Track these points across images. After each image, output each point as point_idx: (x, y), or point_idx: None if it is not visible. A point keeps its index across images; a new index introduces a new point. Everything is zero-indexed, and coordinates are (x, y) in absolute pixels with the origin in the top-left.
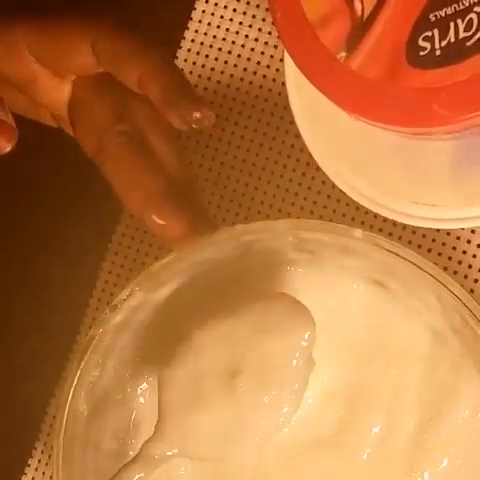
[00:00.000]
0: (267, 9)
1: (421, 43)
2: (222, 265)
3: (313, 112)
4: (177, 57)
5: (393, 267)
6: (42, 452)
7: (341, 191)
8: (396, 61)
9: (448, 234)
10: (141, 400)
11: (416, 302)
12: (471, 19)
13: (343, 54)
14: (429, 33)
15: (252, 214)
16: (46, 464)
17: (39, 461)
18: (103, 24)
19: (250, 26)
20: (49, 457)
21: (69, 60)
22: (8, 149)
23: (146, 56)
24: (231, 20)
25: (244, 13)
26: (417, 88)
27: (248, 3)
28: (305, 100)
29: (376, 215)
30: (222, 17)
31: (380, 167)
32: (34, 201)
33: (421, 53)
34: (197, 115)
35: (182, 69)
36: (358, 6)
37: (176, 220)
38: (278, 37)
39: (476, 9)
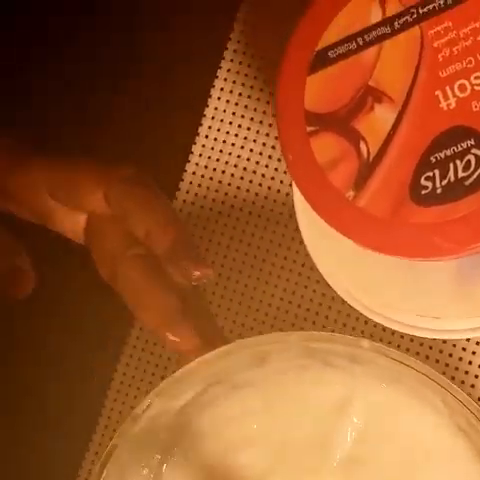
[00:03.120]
0: (270, 125)
1: (423, 182)
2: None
3: (320, 231)
4: (186, 170)
5: (400, 374)
6: None
7: (344, 302)
8: (400, 199)
9: (454, 346)
10: None
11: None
12: (469, 160)
13: (351, 193)
14: (430, 173)
15: (266, 328)
16: None
17: None
18: (118, 175)
19: (254, 141)
20: None
21: (82, 203)
22: (26, 295)
23: (153, 212)
24: (236, 135)
25: (248, 129)
26: (420, 223)
27: (252, 119)
28: (312, 219)
29: (384, 328)
30: (228, 133)
31: (384, 279)
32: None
33: (423, 192)
34: (196, 274)
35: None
36: (364, 149)
37: (189, 336)
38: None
39: (473, 151)
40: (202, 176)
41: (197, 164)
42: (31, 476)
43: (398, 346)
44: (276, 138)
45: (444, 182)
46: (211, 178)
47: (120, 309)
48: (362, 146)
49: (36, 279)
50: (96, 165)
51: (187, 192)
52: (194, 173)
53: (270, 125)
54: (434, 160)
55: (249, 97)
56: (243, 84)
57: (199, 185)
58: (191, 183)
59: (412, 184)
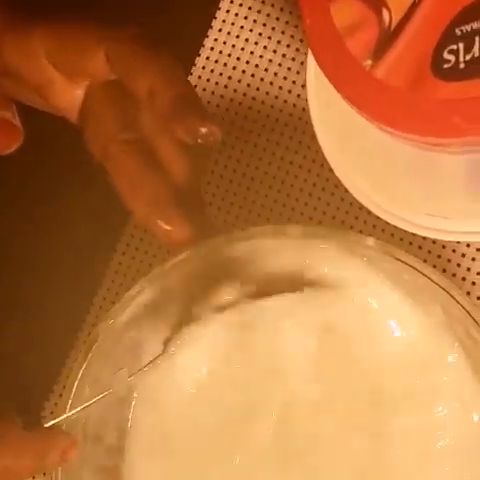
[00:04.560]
0: (287, 22)
1: (446, 56)
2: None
3: (334, 127)
4: (191, 73)
5: (400, 278)
6: None
7: (352, 203)
8: (420, 72)
9: (454, 251)
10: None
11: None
12: None
13: (369, 62)
14: (454, 46)
15: (261, 221)
16: None
17: None
18: (121, 34)
19: (274, 51)
20: None
21: (84, 65)
22: (12, 150)
23: (158, 68)
24: (251, 31)
25: (260, 34)
26: (440, 99)
27: (264, 25)
28: (325, 112)
29: (384, 229)
30: (238, 37)
31: (397, 180)
32: (44, 197)
33: (445, 65)
34: (203, 130)
35: (196, 85)
36: (386, 16)
37: (181, 225)
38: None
39: None
40: (212, 71)
41: (208, 58)
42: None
43: (401, 239)
44: (291, 36)
45: (468, 57)
46: (221, 74)
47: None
48: (384, 13)
49: (24, 135)
50: (97, 25)
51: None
52: (204, 68)
53: (287, 22)
54: (460, 32)
55: None
56: None
57: (208, 80)
58: (200, 77)
59: (434, 56)
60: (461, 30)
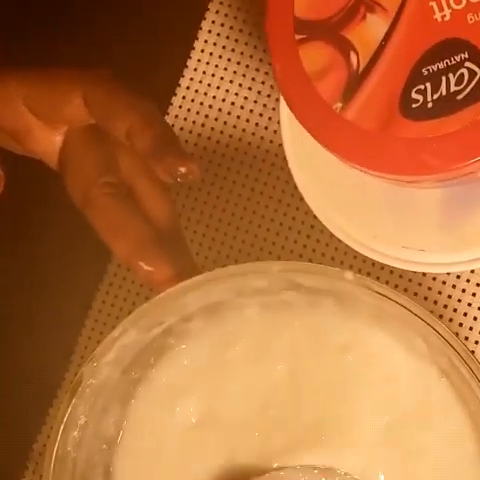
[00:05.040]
0: (260, 60)
1: (414, 96)
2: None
3: (307, 159)
4: (172, 103)
5: (381, 311)
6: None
7: (332, 235)
8: (390, 112)
9: (434, 279)
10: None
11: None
12: (462, 74)
13: (339, 105)
14: (422, 86)
15: (243, 257)
16: None
17: None
18: (96, 77)
19: (250, 88)
20: None
21: (61, 110)
22: None
23: (136, 109)
24: (225, 69)
25: (234, 72)
26: (409, 138)
27: (238, 63)
28: (299, 149)
29: (364, 260)
30: (213, 75)
31: (372, 213)
32: (29, 236)
33: (414, 105)
34: (182, 170)
35: (173, 125)
36: (354, 59)
37: (162, 266)
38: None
39: (467, 65)
40: (188, 110)
41: (184, 97)
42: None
43: (377, 278)
44: (266, 73)
45: (436, 96)
46: (197, 112)
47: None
48: (352, 56)
49: (5, 181)
50: (72, 69)
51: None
52: (180, 107)
53: (261, 60)
54: (426, 72)
55: (241, 31)
56: (235, 17)
57: (185, 119)
58: (176, 117)
59: (402, 97)
60: (428, 70)
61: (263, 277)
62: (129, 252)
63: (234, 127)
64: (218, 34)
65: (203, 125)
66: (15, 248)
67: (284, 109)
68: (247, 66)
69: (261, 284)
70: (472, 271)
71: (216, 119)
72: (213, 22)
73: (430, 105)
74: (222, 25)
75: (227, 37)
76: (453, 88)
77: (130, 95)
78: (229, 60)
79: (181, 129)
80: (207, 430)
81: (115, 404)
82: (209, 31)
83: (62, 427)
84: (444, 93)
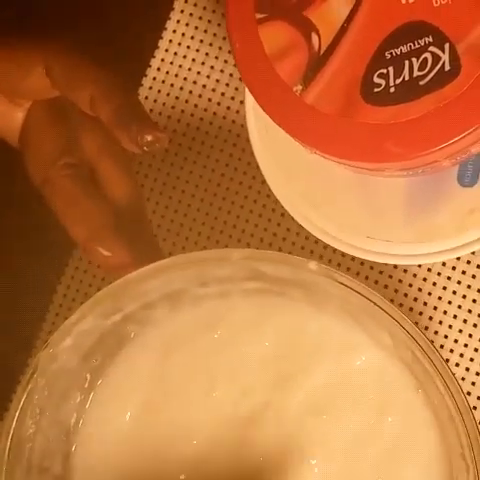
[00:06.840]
0: (229, 51)
1: (376, 80)
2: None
3: (272, 146)
4: (142, 84)
5: (346, 301)
6: None
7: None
8: (351, 97)
9: (405, 271)
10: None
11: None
12: (426, 58)
13: (299, 87)
14: (384, 70)
15: (211, 243)
16: None
17: None
18: (58, 46)
19: (222, 71)
20: None
21: (23, 83)
22: None
23: (99, 78)
24: (203, 63)
25: (207, 54)
26: (370, 124)
27: (211, 44)
28: (264, 134)
29: (335, 250)
30: (185, 57)
31: (337, 202)
32: None
33: (376, 90)
34: (148, 138)
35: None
36: (315, 40)
37: (121, 251)
38: (235, 65)
39: (431, 49)
40: (158, 91)
41: (154, 78)
42: None
43: (348, 269)
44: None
45: (398, 80)
46: (168, 94)
47: None
48: (314, 37)
49: None
50: (34, 39)
51: None
52: (151, 88)
53: (229, 52)
54: (389, 56)
55: (214, 12)
56: None
57: (155, 100)
58: (147, 98)
59: (364, 81)
60: (391, 53)
61: (224, 265)
62: (86, 236)
63: (205, 110)
64: (191, 14)
65: (173, 107)
66: None
67: (248, 96)
68: (220, 48)
69: (223, 272)
70: (443, 264)
71: (187, 101)
72: (186, 1)
73: (392, 90)
74: (195, 5)
75: (200, 18)
76: (416, 73)
77: (93, 64)
78: (201, 41)
79: (151, 110)
80: (166, 413)
81: (75, 391)
82: (181, 11)
83: (17, 414)
84: (407, 78)
